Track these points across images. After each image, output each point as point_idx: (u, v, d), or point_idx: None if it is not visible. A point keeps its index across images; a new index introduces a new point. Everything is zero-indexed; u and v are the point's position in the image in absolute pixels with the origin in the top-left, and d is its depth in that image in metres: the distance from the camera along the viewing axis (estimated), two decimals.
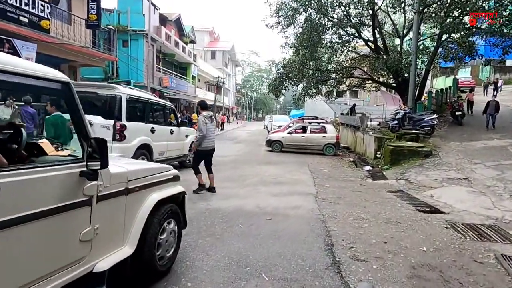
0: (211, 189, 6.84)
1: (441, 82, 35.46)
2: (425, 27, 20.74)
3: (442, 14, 16.32)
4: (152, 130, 7.31)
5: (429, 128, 13.39)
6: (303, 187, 7.89)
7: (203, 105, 6.88)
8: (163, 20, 24.36)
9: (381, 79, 21.37)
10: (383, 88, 25.57)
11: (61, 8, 11.34)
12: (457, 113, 15.58)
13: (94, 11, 11.67)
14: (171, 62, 26.97)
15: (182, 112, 19.85)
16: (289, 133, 15.94)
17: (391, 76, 20.44)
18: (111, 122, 6.18)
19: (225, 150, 15.35)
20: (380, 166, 12.60)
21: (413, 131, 13.18)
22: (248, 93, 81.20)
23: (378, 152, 13.81)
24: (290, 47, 18.81)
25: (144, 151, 7.01)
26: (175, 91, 23.52)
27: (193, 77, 30.83)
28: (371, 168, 13.10)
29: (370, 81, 22.08)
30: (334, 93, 28.96)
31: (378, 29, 19.00)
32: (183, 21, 29.64)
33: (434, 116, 13.60)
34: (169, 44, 22.16)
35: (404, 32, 20.24)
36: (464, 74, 35.37)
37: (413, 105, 15.64)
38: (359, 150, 16.90)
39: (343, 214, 5.82)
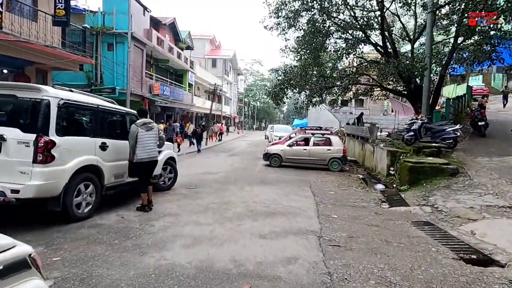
0: (149, 203, 6.21)
1: (451, 90, 33.58)
2: (435, 33, 19.11)
3: (455, 16, 14.68)
4: (103, 147, 5.53)
5: (451, 140, 11.53)
6: (303, 221, 6.04)
7: (140, 112, 6.38)
8: (156, 23, 22.87)
9: (390, 86, 19.63)
10: (391, 96, 23.81)
11: (22, 2, 9.73)
12: (479, 123, 13.71)
13: (62, 5, 10.06)
14: (166, 69, 25.42)
15: (168, 121, 18.08)
16: (289, 145, 14.12)
17: (401, 83, 18.78)
18: (33, 136, 4.42)
19: (216, 165, 13.55)
20: (395, 186, 10.75)
21: (433, 144, 11.34)
22: (251, 102, 79.75)
23: (392, 168, 11.95)
24: (291, 50, 17.12)
25: (89, 175, 5.22)
26: (168, 99, 21.86)
27: (190, 85, 29.19)
28: (384, 187, 11.32)
29: (378, 89, 20.30)
30: (339, 102, 27.14)
31: (387, 33, 17.32)
32: (180, 27, 28.21)
33: (457, 126, 11.75)
34: (161, 49, 20.58)
35: (416, 36, 18.51)
36: (475, 82, 33.55)
37: (429, 114, 13.85)
38: (369, 165, 15.04)
39: (360, 271, 3.97)
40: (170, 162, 7.92)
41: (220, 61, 48.95)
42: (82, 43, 11.74)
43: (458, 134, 11.56)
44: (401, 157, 11.54)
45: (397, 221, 6.56)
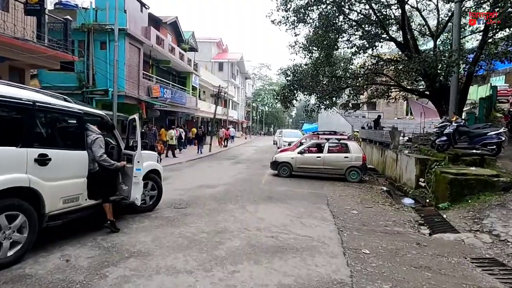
0: (111, 225, 4.98)
1: (473, 92, 31.45)
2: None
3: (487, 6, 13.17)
4: (42, 160, 3.92)
5: (494, 146, 9.67)
6: (324, 261, 4.32)
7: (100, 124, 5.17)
8: (156, 22, 21.46)
9: (409, 87, 17.89)
10: (410, 97, 21.96)
11: None
12: None
13: None
14: (168, 71, 23.96)
15: (147, 125, 15.92)
16: (300, 152, 12.39)
17: (423, 82, 17.08)
18: None
19: (216, 176, 11.85)
20: (428, 201, 8.99)
21: (474, 151, 9.51)
22: (259, 107, 78.21)
23: (422, 179, 10.17)
24: (301, 47, 15.46)
25: (15, 202, 3.62)
26: (169, 103, 20.33)
27: (194, 88, 27.69)
28: (413, 202, 9.61)
29: (396, 90, 18.51)
30: (350, 105, 25.29)
31: (407, 28, 15.65)
32: (185, 29, 26.87)
33: (501, 130, 9.88)
34: (160, 48, 19.09)
35: (438, 31, 16.76)
36: (498, 83, 31.44)
37: (459, 116, 12.10)
38: (391, 174, 13.23)
39: None
40: (152, 176, 6.28)
41: (227, 65, 47.57)
42: (64, 37, 10.28)
43: (503, 138, 9.68)
44: (433, 167, 9.77)
45: (451, 258, 4.81)
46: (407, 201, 9.85)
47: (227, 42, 66.31)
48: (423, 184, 10.05)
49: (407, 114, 41.19)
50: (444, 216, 7.19)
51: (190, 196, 7.98)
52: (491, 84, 27.78)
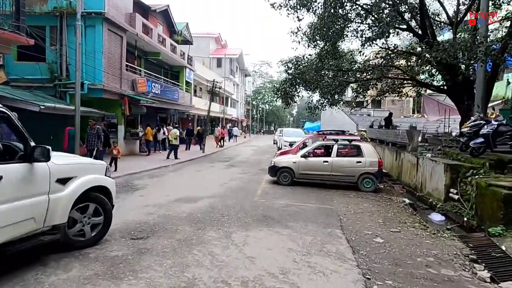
0: None
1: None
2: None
3: None
4: None
5: None
6: None
7: None
8: (145, 10, 19.50)
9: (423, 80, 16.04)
10: (426, 93, 20.03)
11: None
12: None
13: None
14: (159, 64, 22.04)
15: (94, 125, 10.85)
16: (304, 156, 10.46)
17: (440, 76, 15.21)
18: None
19: (202, 184, 9.85)
20: (466, 219, 7.10)
21: None
22: (259, 105, 76.26)
23: (454, 190, 8.26)
24: (304, 34, 13.52)
25: None
26: (157, 98, 18.35)
27: (188, 83, 25.73)
28: (443, 219, 7.84)
29: (409, 84, 16.58)
30: (354, 103, 23.56)
31: (425, 14, 13.77)
32: (178, 19, 24.96)
33: None
34: (147, 38, 17.11)
35: (458, 19, 14.82)
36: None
37: (481, 112, 10.25)
38: (409, 181, 11.33)
39: None
40: (95, 196, 4.37)
41: (226, 61, 45.59)
42: (16, 15, 8.37)
43: None
44: (469, 175, 7.89)
45: None
46: (436, 217, 7.99)
47: (226, 37, 63.95)
48: (455, 197, 8.14)
49: (413, 112, 39.21)
50: (503, 247, 5.26)
51: (160, 217, 6.05)
52: (508, 80, 25.90)
